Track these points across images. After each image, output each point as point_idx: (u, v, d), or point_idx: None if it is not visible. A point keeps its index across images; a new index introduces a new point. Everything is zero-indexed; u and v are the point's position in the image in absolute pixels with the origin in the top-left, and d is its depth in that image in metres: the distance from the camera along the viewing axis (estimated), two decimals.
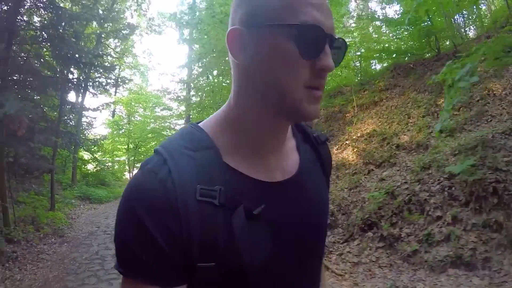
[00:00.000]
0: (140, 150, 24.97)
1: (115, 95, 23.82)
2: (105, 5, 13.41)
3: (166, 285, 0.51)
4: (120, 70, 23.70)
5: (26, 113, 4.80)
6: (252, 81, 0.58)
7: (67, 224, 8.13)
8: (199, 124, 0.65)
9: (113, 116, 26.49)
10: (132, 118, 26.92)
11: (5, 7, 5.79)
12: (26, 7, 6.13)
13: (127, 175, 26.59)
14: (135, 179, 0.56)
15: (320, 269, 0.74)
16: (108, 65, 10.21)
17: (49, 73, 6.15)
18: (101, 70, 9.02)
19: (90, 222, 8.98)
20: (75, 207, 10.78)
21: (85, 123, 15.57)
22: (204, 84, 12.67)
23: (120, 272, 0.53)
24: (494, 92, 5.90)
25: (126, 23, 13.93)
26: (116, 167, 26.78)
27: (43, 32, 5.82)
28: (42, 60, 6.07)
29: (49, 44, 5.88)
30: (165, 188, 0.52)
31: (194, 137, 0.60)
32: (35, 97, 6.18)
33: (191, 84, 14.20)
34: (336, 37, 0.57)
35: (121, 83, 15.12)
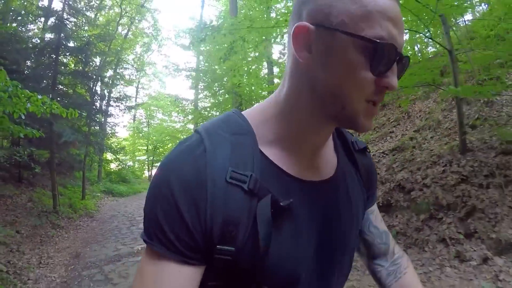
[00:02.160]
0: (158, 151, 27.37)
1: (135, 101, 26.66)
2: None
3: (184, 261, 0.52)
4: (141, 76, 26.37)
5: (75, 137, 7.37)
6: (312, 82, 0.56)
7: (95, 209, 10.70)
8: (243, 112, 0.65)
9: (134, 120, 29.14)
10: (151, 121, 29.47)
11: (50, 58, 8.39)
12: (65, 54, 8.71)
13: (146, 174, 29.30)
14: (171, 154, 0.57)
15: (342, 284, 0.71)
16: (121, 95, 13.03)
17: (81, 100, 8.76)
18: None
19: (112, 209, 11.51)
20: (100, 199, 13.37)
21: (109, 129, 18.38)
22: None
23: (144, 241, 0.54)
24: (410, 114, 7.74)
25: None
26: (136, 166, 29.33)
27: (77, 74, 8.39)
28: (75, 90, 8.63)
29: (80, 81, 8.44)
30: (197, 166, 0.53)
31: (234, 122, 0.60)
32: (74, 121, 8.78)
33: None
34: (404, 55, 0.55)
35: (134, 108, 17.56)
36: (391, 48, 0.51)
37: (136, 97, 26.86)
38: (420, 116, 7.32)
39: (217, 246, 0.51)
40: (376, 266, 0.86)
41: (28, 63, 8.75)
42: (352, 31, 0.50)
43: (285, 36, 8.71)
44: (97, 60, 9.56)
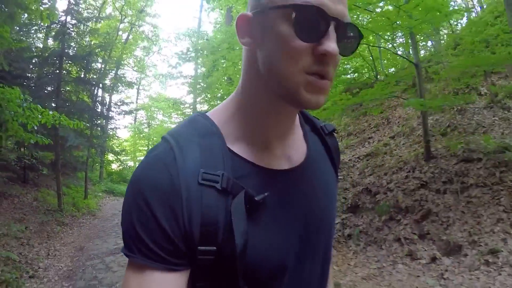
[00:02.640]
0: None
1: (136, 102, 27.22)
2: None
3: (168, 268, 0.52)
4: (142, 78, 26.95)
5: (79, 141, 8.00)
6: (256, 66, 0.58)
7: (97, 208, 11.28)
8: (206, 113, 0.65)
9: (135, 121, 29.65)
10: (152, 122, 29.98)
11: (54, 65, 9.00)
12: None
13: None
14: (142, 165, 0.57)
15: (327, 266, 0.72)
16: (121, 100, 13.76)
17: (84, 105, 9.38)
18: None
19: (113, 208, 12.06)
20: (102, 198, 13.94)
21: (110, 130, 19.00)
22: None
23: (125, 255, 0.54)
24: (390, 120, 8.20)
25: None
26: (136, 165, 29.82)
27: (79, 81, 9.02)
28: (79, 97, 9.26)
29: (82, 88, 9.06)
30: (169, 173, 0.53)
31: (199, 124, 0.61)
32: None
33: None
34: (346, 22, 0.53)
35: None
36: (316, 11, 0.49)
37: (137, 98, 27.47)
38: (398, 122, 7.80)
39: (199, 248, 0.52)
40: None
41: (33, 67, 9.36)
42: (278, 4, 0.52)
43: None
44: (99, 63, 10.20)
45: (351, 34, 0.55)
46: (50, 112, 4.19)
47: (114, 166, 21.67)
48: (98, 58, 9.42)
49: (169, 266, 0.52)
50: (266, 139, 0.63)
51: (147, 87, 30.62)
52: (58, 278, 4.77)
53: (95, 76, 10.29)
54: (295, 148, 0.67)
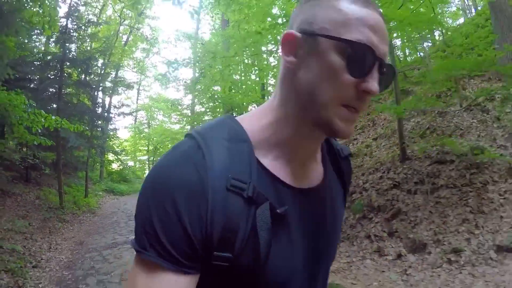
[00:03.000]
0: (159, 151, 28.06)
1: (137, 102, 27.57)
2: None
3: (181, 270, 0.51)
4: (142, 79, 27.29)
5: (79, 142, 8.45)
6: (296, 86, 0.59)
7: (97, 206, 11.70)
8: (237, 118, 0.65)
9: (135, 122, 29.86)
10: (152, 122, 30.12)
11: (56, 69, 9.43)
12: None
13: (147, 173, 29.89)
14: (166, 160, 0.56)
15: (326, 279, 0.74)
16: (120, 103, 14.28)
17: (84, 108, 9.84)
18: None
19: (113, 207, 12.47)
20: (102, 197, 14.34)
21: (110, 130, 19.39)
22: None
23: (136, 251, 0.53)
24: (375, 122, 8.33)
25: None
26: (138, 166, 30.06)
27: (79, 84, 9.48)
28: (79, 99, 9.72)
29: (83, 90, 9.52)
30: (198, 172, 0.53)
31: (230, 128, 0.60)
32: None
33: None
34: (387, 63, 0.57)
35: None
36: (368, 50, 0.53)
37: (137, 99, 27.76)
38: (382, 124, 8.13)
39: (215, 253, 0.52)
40: None
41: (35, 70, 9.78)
42: (332, 35, 0.54)
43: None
44: (98, 66, 10.66)
45: (389, 73, 0.58)
46: (53, 117, 4.62)
47: (115, 166, 21.97)
48: (98, 62, 9.85)
49: (182, 268, 0.52)
50: (295, 155, 0.64)
51: (148, 88, 30.93)
52: (59, 268, 5.20)
53: (96, 79, 10.74)
54: (315, 169, 0.69)
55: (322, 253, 0.68)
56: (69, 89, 9.94)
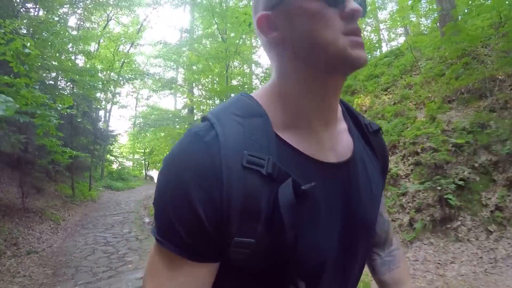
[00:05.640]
0: (154, 153, 29.76)
1: (136, 109, 30.05)
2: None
3: (197, 260, 0.50)
4: (139, 89, 30.64)
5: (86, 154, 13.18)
6: (291, 51, 0.58)
7: (97, 197, 16.25)
8: (252, 94, 0.63)
9: (133, 128, 32.70)
10: (149, 129, 32.89)
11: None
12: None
13: (143, 173, 31.83)
14: (179, 143, 0.54)
15: (362, 268, 0.69)
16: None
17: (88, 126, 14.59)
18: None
19: (108, 198, 15.99)
20: (101, 192, 18.44)
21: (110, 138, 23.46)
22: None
23: (156, 240, 0.52)
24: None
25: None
26: (136, 165, 32.27)
27: (84, 115, 14.27)
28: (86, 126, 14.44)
29: (86, 120, 14.27)
30: (210, 152, 0.50)
31: (244, 105, 0.59)
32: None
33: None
34: None
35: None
36: None
37: (136, 106, 30.76)
38: None
39: (235, 239, 0.49)
40: (373, 254, 0.85)
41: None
42: None
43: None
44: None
45: None
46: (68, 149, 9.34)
47: (114, 166, 25.26)
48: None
49: (199, 257, 0.50)
50: (310, 125, 0.61)
51: (146, 96, 33.73)
52: (74, 225, 9.92)
53: (98, 106, 15.33)
54: (341, 141, 0.66)
55: (356, 233, 0.63)
56: (79, 120, 14.55)
